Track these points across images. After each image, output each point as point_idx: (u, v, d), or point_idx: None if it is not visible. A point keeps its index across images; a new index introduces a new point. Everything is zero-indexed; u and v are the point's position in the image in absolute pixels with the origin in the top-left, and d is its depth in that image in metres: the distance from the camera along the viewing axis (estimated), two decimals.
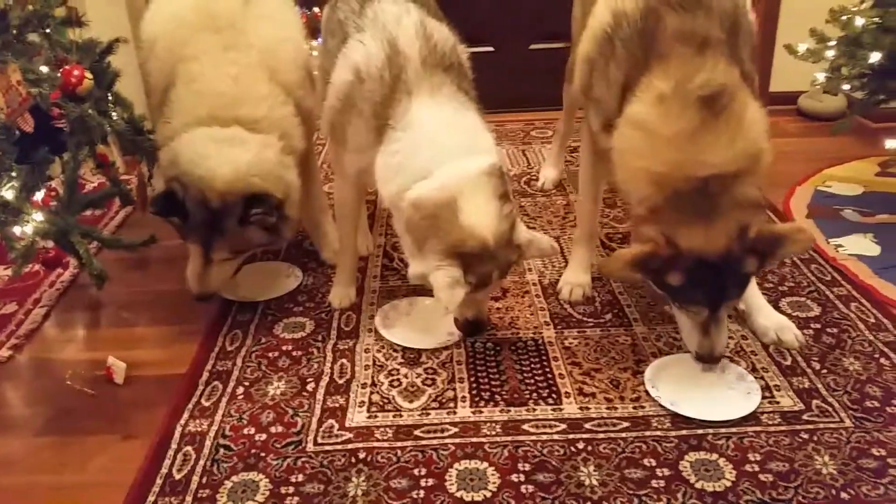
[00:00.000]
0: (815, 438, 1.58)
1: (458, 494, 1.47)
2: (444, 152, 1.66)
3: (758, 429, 1.61)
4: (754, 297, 1.94)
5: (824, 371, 1.78)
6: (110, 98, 2.24)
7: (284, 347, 1.95)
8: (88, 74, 2.05)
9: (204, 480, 1.54)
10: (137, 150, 2.29)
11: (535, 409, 1.70)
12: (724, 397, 1.69)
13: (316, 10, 3.34)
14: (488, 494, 1.47)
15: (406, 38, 1.76)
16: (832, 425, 1.61)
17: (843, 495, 1.44)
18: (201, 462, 1.58)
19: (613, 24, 1.68)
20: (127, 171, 2.43)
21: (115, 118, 2.20)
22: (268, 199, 1.87)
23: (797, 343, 1.87)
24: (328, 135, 2.01)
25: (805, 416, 1.64)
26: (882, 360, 1.81)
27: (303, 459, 1.58)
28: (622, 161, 1.67)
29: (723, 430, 1.60)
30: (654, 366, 1.79)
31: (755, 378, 1.74)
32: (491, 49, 3.65)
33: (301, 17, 2.85)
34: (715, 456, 1.54)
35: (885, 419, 1.62)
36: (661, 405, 1.68)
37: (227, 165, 1.86)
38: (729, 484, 1.47)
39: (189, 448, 1.62)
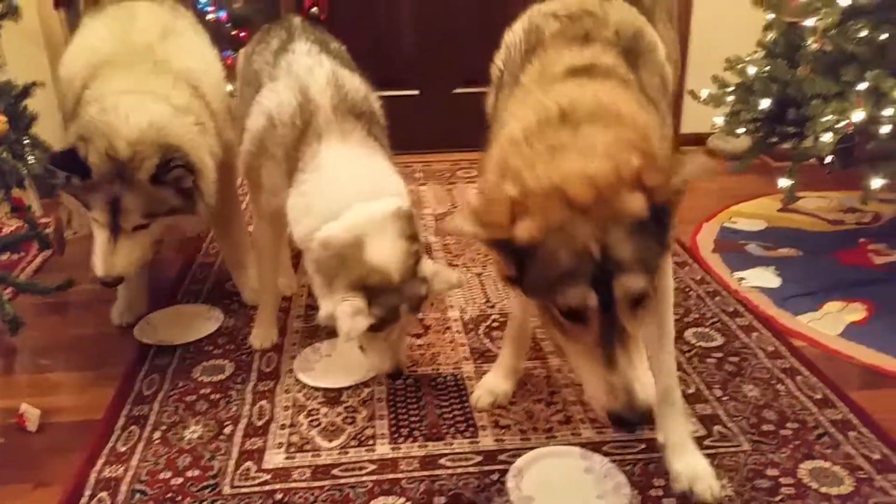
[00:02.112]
0: (716, 462, 1.65)
1: None
2: (352, 194, 1.69)
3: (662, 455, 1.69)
4: (676, 432, 1.60)
5: (725, 398, 1.88)
6: (27, 141, 2.21)
7: (203, 391, 1.95)
8: (3, 117, 2.03)
9: None
10: (55, 194, 2.27)
11: (452, 443, 1.74)
12: None
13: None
14: None
15: (317, 86, 1.81)
16: (732, 449, 1.70)
17: None
18: None
19: (504, 56, 1.54)
20: (44, 215, 2.41)
21: (31, 161, 2.18)
22: (186, 155, 1.79)
23: (710, 498, 1.54)
24: (245, 177, 2.04)
25: (707, 442, 1.72)
26: (778, 386, 1.92)
27: (219, 502, 1.57)
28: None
29: (629, 456, 1.67)
30: (530, 455, 1.65)
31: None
32: (416, 92, 3.76)
33: (227, 60, 2.91)
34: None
35: (779, 441, 1.72)
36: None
37: (141, 112, 1.77)
38: None
39: (104, 493, 1.60)
